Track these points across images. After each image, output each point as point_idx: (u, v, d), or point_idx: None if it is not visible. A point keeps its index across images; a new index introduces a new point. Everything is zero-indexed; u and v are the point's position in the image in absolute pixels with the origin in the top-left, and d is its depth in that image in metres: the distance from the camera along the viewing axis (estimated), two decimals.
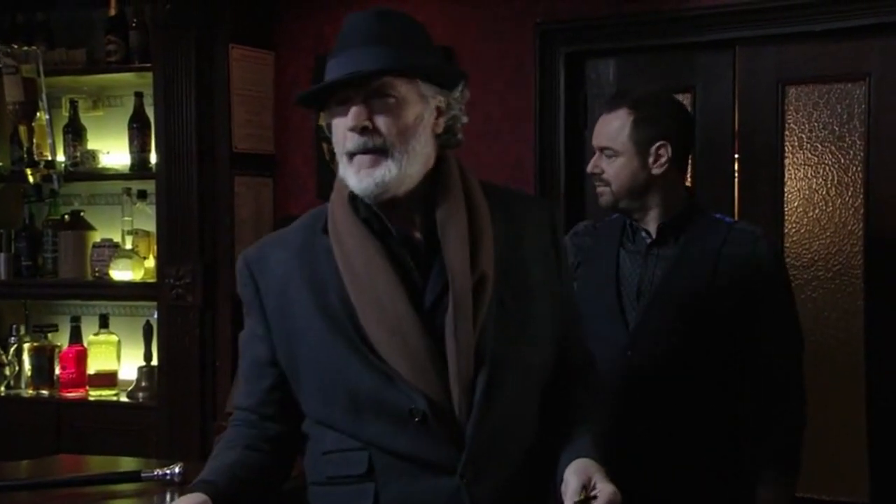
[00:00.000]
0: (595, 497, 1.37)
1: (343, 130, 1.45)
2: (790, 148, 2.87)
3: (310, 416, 1.53)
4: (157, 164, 3.29)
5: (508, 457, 1.49)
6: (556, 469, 1.48)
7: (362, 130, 1.43)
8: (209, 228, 3.23)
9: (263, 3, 3.37)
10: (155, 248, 3.36)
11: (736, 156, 2.93)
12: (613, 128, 2.03)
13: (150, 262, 3.41)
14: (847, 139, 2.81)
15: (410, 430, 1.43)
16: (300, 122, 3.38)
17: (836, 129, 2.82)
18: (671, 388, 1.99)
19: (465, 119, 1.54)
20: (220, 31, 3.21)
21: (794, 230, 2.88)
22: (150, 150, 3.38)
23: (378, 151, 1.43)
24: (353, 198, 1.49)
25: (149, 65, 3.28)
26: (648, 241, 2.06)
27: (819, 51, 2.80)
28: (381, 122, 1.43)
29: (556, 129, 3.05)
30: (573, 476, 1.42)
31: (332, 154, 3.50)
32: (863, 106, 2.77)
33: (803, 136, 2.86)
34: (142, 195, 3.41)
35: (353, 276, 1.46)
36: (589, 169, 2.08)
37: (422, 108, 1.47)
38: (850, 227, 2.81)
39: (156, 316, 3.32)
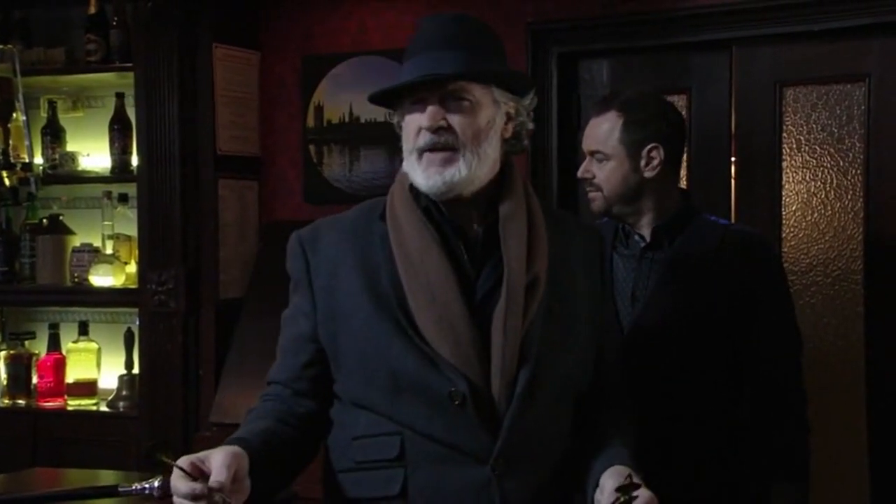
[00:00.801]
0: (638, 486, 1.39)
1: (416, 128, 1.52)
2: (788, 150, 2.84)
3: (345, 398, 1.56)
4: (138, 166, 3.23)
5: (541, 456, 1.52)
6: (587, 478, 1.52)
7: (437, 130, 1.49)
8: (192, 233, 3.18)
9: (248, 1, 3.33)
10: (136, 252, 3.30)
11: (732, 159, 2.90)
12: (603, 131, 2.00)
13: (132, 268, 3.34)
14: (846, 141, 2.78)
15: (448, 414, 1.46)
16: (286, 124, 3.35)
17: (835, 130, 2.79)
18: (668, 394, 1.97)
19: (531, 126, 1.62)
20: (203, 31, 3.16)
21: (791, 234, 2.85)
22: (131, 153, 3.31)
23: (450, 149, 1.50)
24: (413, 188, 1.55)
25: (130, 64, 3.22)
26: (642, 244, 2.03)
27: (817, 51, 2.77)
28: (456, 122, 1.50)
29: (549, 132, 3.02)
30: (610, 479, 1.44)
31: (320, 156, 3.47)
32: (862, 107, 2.74)
33: (801, 138, 2.83)
34: (123, 199, 3.35)
35: (406, 260, 1.51)
36: (579, 174, 2.04)
37: (494, 112, 1.54)
38: (849, 231, 2.79)
39: (137, 323, 3.26)
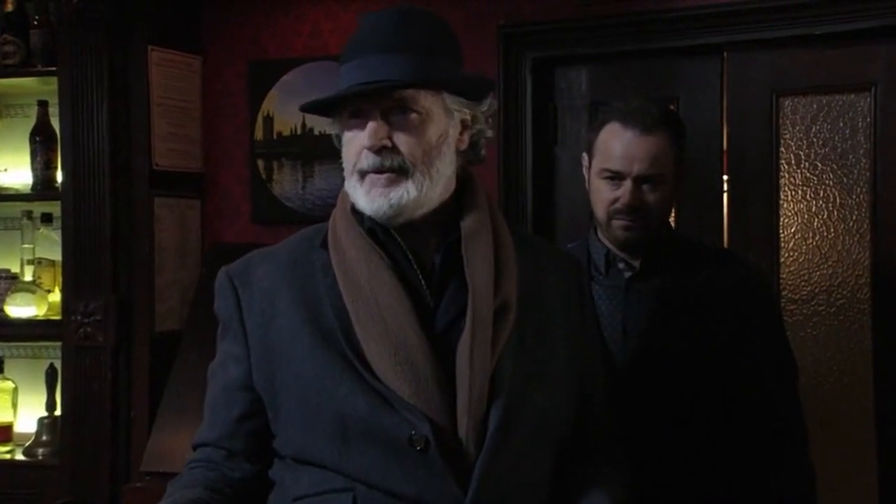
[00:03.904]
0: None
1: (357, 147, 1.42)
2: (786, 166, 2.77)
3: (286, 452, 1.44)
4: (63, 182, 3.11)
5: None
6: None
7: (380, 150, 1.39)
8: (124, 257, 3.07)
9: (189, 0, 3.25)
10: (60, 279, 3.18)
11: (725, 177, 2.85)
12: (660, 151, 1.91)
13: (55, 297, 3.22)
14: (850, 156, 2.71)
15: (408, 462, 1.35)
16: (232, 136, 3.28)
17: (838, 144, 2.72)
18: (665, 434, 1.92)
19: (489, 133, 1.52)
20: (137, 31, 3.07)
21: (791, 259, 2.77)
22: (55, 167, 3.20)
23: (396, 171, 1.40)
24: (356, 211, 1.47)
25: (53, 68, 3.10)
26: (628, 274, 1.98)
27: (818, 57, 2.71)
28: (402, 140, 1.40)
29: (523, 145, 2.93)
30: None
31: (269, 172, 3.29)
32: (867, 119, 2.68)
33: (801, 152, 2.76)
34: (46, 219, 3.23)
35: (354, 289, 1.41)
36: (629, 203, 1.91)
37: (446, 123, 1.44)
38: (854, 256, 2.71)
39: (60, 359, 3.13)
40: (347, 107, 1.43)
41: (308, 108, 1.48)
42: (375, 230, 1.45)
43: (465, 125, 1.47)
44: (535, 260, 1.53)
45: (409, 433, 1.34)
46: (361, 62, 1.41)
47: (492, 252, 1.45)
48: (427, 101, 1.41)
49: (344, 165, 1.47)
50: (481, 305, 1.40)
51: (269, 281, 1.47)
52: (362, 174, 1.41)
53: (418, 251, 1.45)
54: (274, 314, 1.44)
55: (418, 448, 1.34)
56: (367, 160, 1.40)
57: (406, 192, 1.40)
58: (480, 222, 1.46)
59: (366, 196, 1.41)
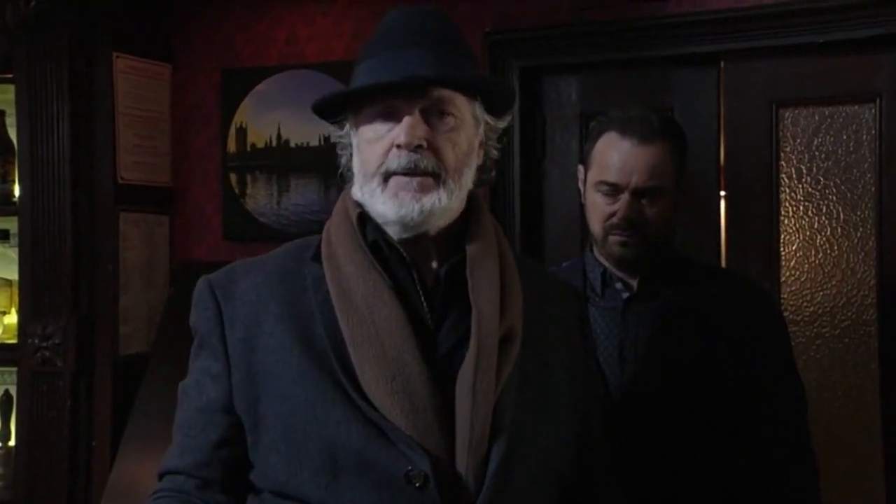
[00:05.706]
0: None
1: (386, 145, 1.35)
2: (787, 181, 2.71)
3: (263, 484, 1.37)
4: (21, 197, 3.06)
5: None
6: None
7: (415, 149, 1.33)
8: (86, 276, 3.01)
9: (158, 4, 3.17)
10: (17, 300, 3.12)
11: (722, 192, 2.79)
12: (660, 163, 1.87)
13: (11, 318, 3.17)
14: (854, 170, 2.66)
15: (402, 499, 1.30)
16: (204, 148, 3.22)
17: (842, 158, 2.67)
18: (665, 457, 1.88)
19: (495, 154, 1.48)
20: (101, 37, 3.02)
21: (792, 278, 2.71)
22: (12, 181, 3.14)
23: (430, 175, 1.34)
24: (362, 219, 1.41)
25: (10, 76, 3.05)
26: (626, 295, 1.95)
27: (820, 66, 2.66)
28: (440, 144, 1.35)
29: (510, 158, 2.87)
30: None
31: (242, 186, 3.18)
32: (872, 131, 2.62)
33: (802, 166, 2.70)
34: (2, 236, 3.19)
35: (349, 307, 1.35)
36: (626, 216, 1.87)
37: (474, 133, 1.41)
38: (860, 275, 2.65)
39: (16, 384, 3.07)
40: (373, 104, 1.36)
41: (324, 103, 1.40)
42: (380, 244, 1.38)
43: (480, 142, 1.43)
44: (536, 287, 1.48)
45: (405, 468, 1.29)
46: (394, 56, 1.35)
47: (497, 275, 1.40)
48: (463, 105, 1.37)
49: (359, 169, 1.40)
50: (486, 332, 1.34)
51: (254, 294, 1.40)
52: (386, 176, 1.35)
53: (420, 269, 1.40)
54: (259, 332, 1.37)
55: (416, 485, 1.28)
56: (400, 159, 1.34)
57: (438, 199, 1.34)
58: (487, 245, 1.41)
59: (392, 200, 1.34)
